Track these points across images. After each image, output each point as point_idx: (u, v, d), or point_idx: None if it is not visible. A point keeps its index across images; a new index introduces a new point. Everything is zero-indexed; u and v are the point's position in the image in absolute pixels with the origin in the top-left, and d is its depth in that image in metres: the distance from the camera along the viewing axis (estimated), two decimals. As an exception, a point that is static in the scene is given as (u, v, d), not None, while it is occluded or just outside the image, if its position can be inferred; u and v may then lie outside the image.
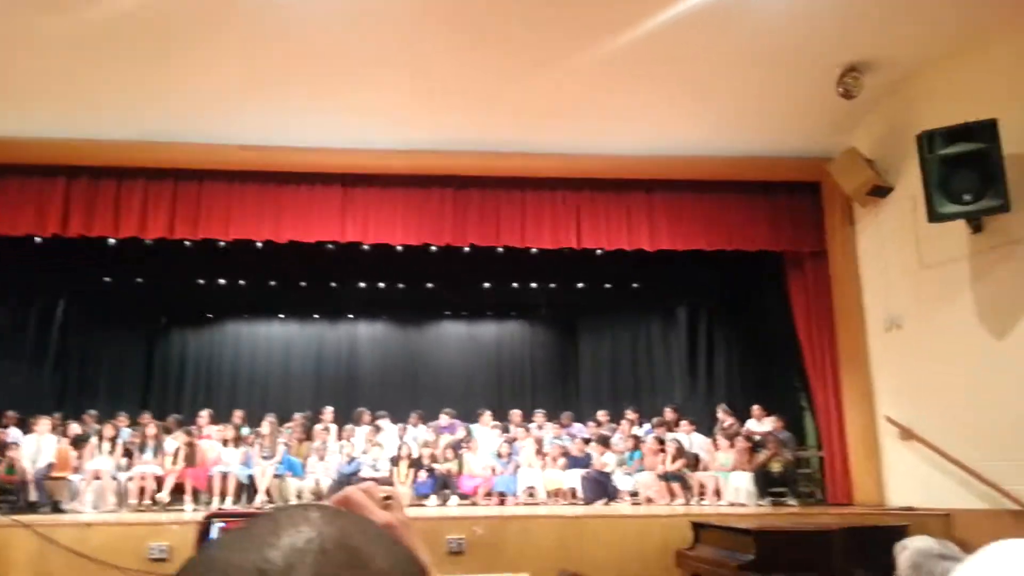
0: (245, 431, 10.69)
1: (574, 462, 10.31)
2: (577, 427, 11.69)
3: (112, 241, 9.60)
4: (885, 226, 8.81)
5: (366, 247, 9.83)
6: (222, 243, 9.62)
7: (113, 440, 9.75)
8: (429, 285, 13.22)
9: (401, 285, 13.32)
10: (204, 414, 10.92)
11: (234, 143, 8.96)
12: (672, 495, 9.53)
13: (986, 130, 7.06)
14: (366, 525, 0.60)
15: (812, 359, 9.58)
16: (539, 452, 10.48)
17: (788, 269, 9.96)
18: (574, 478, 9.97)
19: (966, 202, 7.16)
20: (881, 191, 8.73)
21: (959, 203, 7.20)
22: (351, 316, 14.17)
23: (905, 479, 8.35)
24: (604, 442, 10.49)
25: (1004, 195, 6.99)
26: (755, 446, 9.75)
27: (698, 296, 12.75)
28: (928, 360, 8.11)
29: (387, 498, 0.76)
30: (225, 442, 10.27)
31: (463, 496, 9.91)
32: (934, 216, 7.30)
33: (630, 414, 11.49)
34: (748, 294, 11.70)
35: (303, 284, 13.08)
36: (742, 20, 6.97)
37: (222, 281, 12.93)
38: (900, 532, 5.06)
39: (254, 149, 9.01)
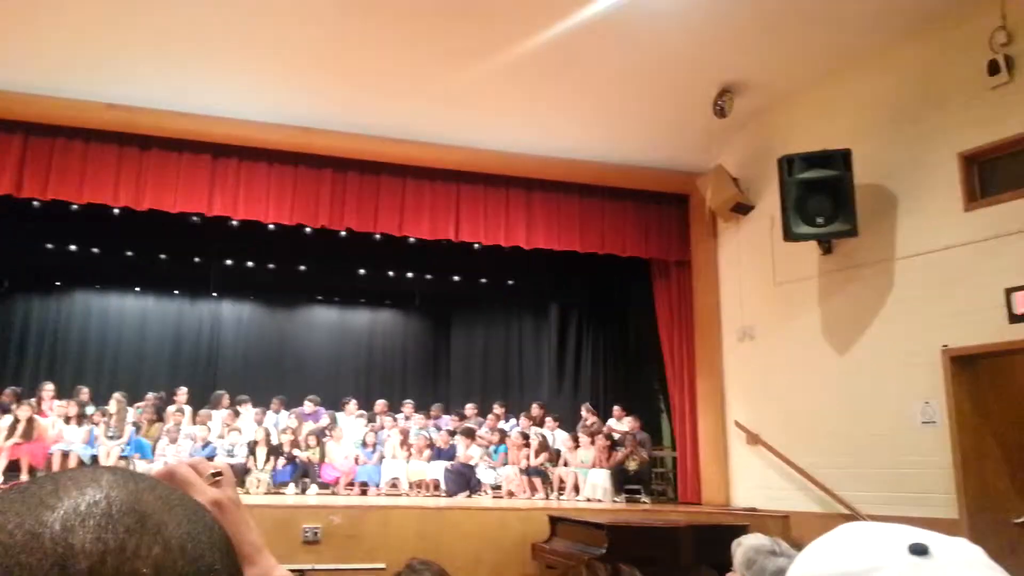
0: (90, 409, 10.03)
1: (439, 454, 10.31)
2: (445, 419, 11.70)
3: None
4: (745, 242, 9.29)
5: (235, 223, 9.42)
6: (75, 206, 8.96)
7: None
8: (301, 267, 12.85)
9: (271, 265, 12.87)
10: (47, 387, 10.16)
11: (96, 100, 8.33)
12: (533, 489, 9.70)
13: (840, 158, 7.56)
14: (164, 491, 0.55)
15: (671, 363, 9.98)
16: (404, 443, 10.42)
17: (655, 276, 10.33)
18: (438, 470, 9.97)
19: (819, 225, 7.64)
20: (743, 208, 9.20)
21: (812, 225, 7.67)
22: (215, 294, 13.54)
23: (750, 481, 8.84)
24: (470, 435, 10.54)
25: (853, 220, 7.50)
26: (614, 444, 10.06)
27: (570, 297, 13.02)
28: (776, 370, 8.61)
29: (216, 474, 0.72)
30: (68, 419, 9.61)
31: (324, 485, 9.71)
32: (789, 236, 7.75)
33: (497, 408, 11.60)
34: (617, 298, 12.04)
35: (163, 257, 12.40)
36: (637, 33, 7.14)
37: (73, 247, 12.05)
38: (742, 531, 5.34)
39: (119, 108, 8.41)
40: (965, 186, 6.93)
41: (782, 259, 8.58)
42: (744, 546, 2.84)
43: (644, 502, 9.37)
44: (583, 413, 11.07)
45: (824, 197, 7.61)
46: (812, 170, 7.65)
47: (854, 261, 7.87)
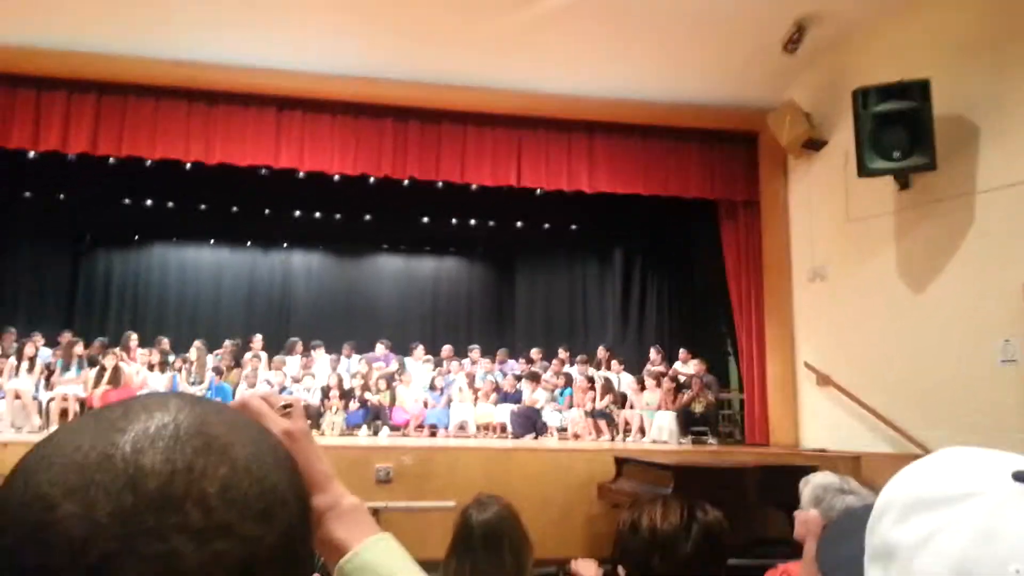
0: (172, 358, 10.49)
1: (505, 398, 10.46)
2: (510, 364, 11.83)
3: (32, 154, 9.13)
4: (816, 179, 8.99)
5: (301, 175, 9.58)
6: (148, 162, 9.24)
7: (32, 360, 9.43)
8: (367, 217, 13.02)
9: (338, 216, 13.08)
10: (132, 338, 10.65)
11: (164, 57, 8.51)
12: (598, 432, 9.78)
13: (919, 89, 7.20)
14: (231, 416, 0.57)
15: (739, 306, 9.83)
16: (471, 387, 10.60)
17: (721, 217, 10.10)
18: (505, 413, 10.13)
19: (895, 159, 7.34)
20: (815, 144, 8.88)
21: (889, 159, 7.37)
22: (285, 245, 13.87)
23: (819, 423, 8.73)
24: (535, 379, 10.65)
25: (932, 154, 7.18)
26: (680, 387, 10.03)
27: (634, 241, 12.88)
28: (848, 311, 8.40)
29: (287, 406, 0.74)
30: (151, 367, 10.07)
31: (394, 428, 9.99)
32: (864, 171, 7.47)
33: (562, 352, 11.66)
34: (682, 240, 11.87)
35: (235, 210, 12.71)
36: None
37: (149, 202, 12.47)
38: (811, 472, 5.30)
39: (186, 65, 8.57)
40: (1053, 114, 6.53)
41: (856, 196, 8.30)
42: (812, 484, 2.82)
43: (711, 444, 9.36)
44: (651, 355, 11.03)
45: (900, 130, 7.29)
46: (888, 102, 7.31)
47: (932, 196, 7.55)
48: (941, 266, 7.44)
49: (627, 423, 9.92)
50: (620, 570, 1.82)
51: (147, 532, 0.48)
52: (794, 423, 9.04)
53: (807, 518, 2.66)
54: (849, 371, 8.30)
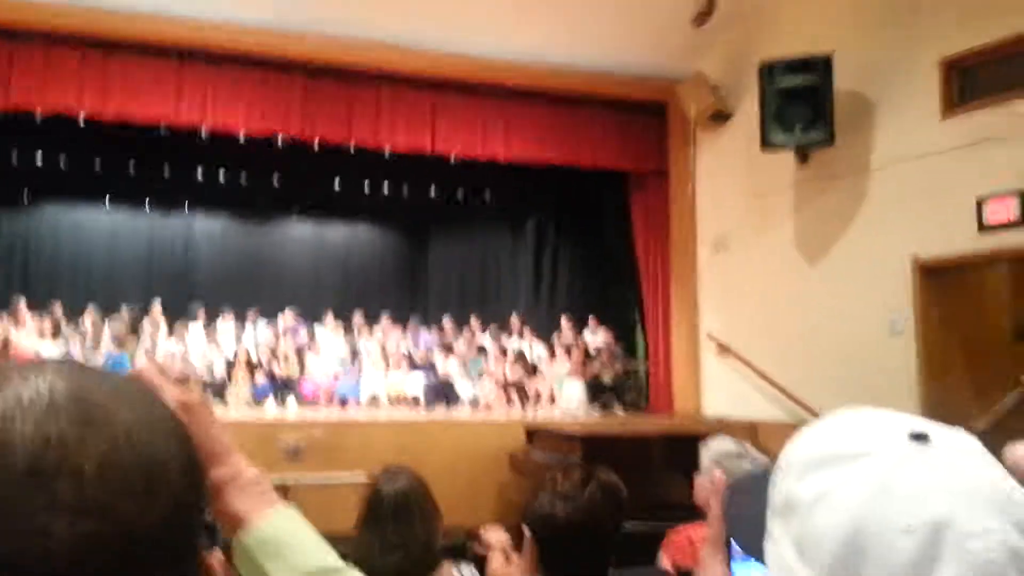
0: (64, 325, 9.96)
1: (416, 367, 10.40)
2: (423, 335, 11.75)
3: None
4: (723, 152, 9.19)
5: (204, 132, 9.17)
6: (38, 115, 8.64)
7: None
8: (275, 180, 12.60)
9: (244, 177, 12.60)
10: (20, 302, 10.04)
11: (56, 0, 7.94)
12: (510, 401, 9.84)
13: (821, 64, 7.41)
14: (117, 382, 0.53)
15: (646, 275, 10.02)
16: (383, 357, 10.48)
17: (631, 188, 10.25)
18: (417, 384, 10.08)
19: (796, 133, 7.55)
20: (722, 117, 9.06)
21: (791, 133, 7.58)
22: (187, 207, 13.28)
23: (720, 392, 9.02)
24: (448, 349, 10.62)
25: (830, 129, 7.41)
26: (589, 356, 10.18)
27: (546, 210, 12.91)
28: (749, 282, 8.67)
29: (184, 378, 0.69)
30: (42, 334, 9.55)
31: (303, 400, 9.81)
32: (766, 144, 7.66)
33: (474, 321, 11.66)
34: (593, 210, 11.97)
35: (133, 168, 12.08)
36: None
37: (39, 158, 11.70)
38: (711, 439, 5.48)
39: (80, 10, 7.98)
40: (944, 93, 6.83)
41: (759, 169, 8.52)
42: (712, 450, 2.90)
43: (618, 412, 9.55)
44: (562, 324, 11.15)
45: (803, 105, 7.49)
46: (792, 76, 7.50)
47: (829, 171, 7.82)
48: (836, 239, 7.74)
49: (538, 392, 10.02)
50: (526, 530, 1.90)
51: (14, 510, 0.44)
52: (696, 392, 9.32)
53: (713, 479, 2.73)
54: (748, 341, 8.59)
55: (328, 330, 11.24)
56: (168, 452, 0.51)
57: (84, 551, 0.45)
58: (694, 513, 2.92)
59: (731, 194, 8.98)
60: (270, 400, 9.57)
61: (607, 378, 9.83)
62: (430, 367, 10.39)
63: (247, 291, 12.93)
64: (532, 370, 10.31)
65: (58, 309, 10.32)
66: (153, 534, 0.48)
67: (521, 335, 11.23)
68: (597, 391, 9.75)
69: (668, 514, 5.14)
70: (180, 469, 0.52)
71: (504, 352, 10.42)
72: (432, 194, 13.06)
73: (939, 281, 6.88)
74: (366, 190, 12.89)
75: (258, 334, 10.94)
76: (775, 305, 8.28)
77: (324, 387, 9.91)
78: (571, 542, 1.83)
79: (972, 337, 6.72)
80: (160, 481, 0.50)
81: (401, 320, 11.93)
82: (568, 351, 10.14)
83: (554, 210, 12.76)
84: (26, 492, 0.45)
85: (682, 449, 5.68)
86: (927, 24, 6.97)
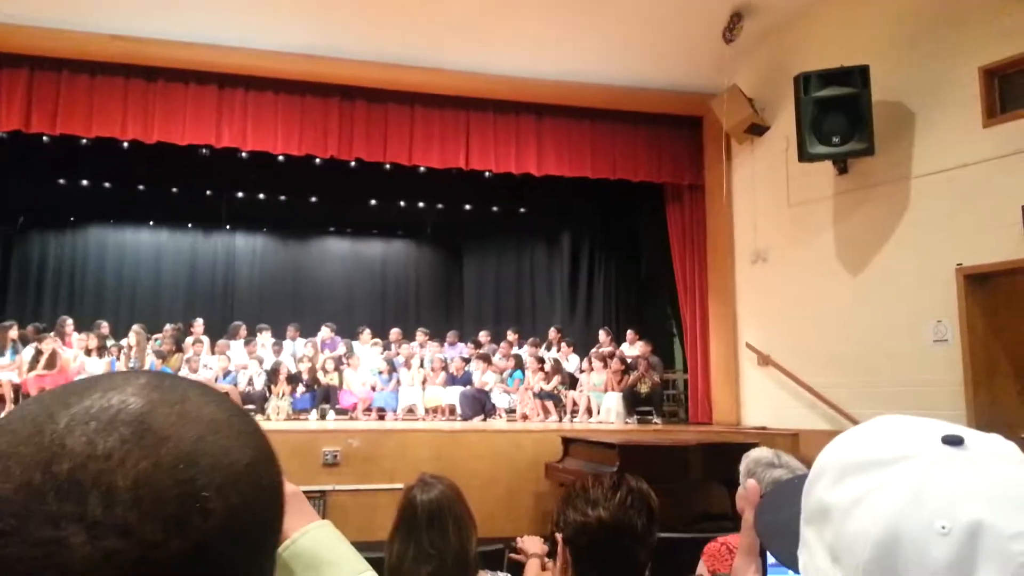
0: (111, 342, 10.21)
1: (454, 380, 10.47)
2: (459, 346, 11.83)
3: (-43, 132, 8.74)
4: (759, 164, 9.16)
5: (244, 154, 9.38)
6: (84, 140, 8.92)
7: (-37, 346, 9.09)
8: (312, 199, 12.82)
9: (282, 197, 12.85)
10: (68, 322, 10.32)
11: (100, 31, 8.20)
12: (546, 413, 9.85)
13: (858, 75, 7.37)
14: (198, 406, 0.53)
15: (684, 288, 9.99)
16: (419, 369, 10.57)
17: (668, 201, 10.24)
18: (453, 395, 10.14)
19: (834, 144, 7.50)
20: (758, 129, 9.03)
21: (828, 145, 7.53)
22: (228, 227, 13.57)
23: (760, 402, 8.94)
24: (486, 360, 10.68)
25: (869, 139, 7.36)
26: (627, 368, 10.16)
27: (581, 224, 12.96)
28: (788, 293, 8.60)
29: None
30: (88, 351, 9.79)
31: (342, 412, 9.92)
32: (804, 156, 7.63)
33: (511, 335, 11.70)
34: (629, 224, 11.98)
35: (175, 190, 12.39)
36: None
37: (85, 183, 12.07)
38: (751, 449, 5.43)
39: (123, 39, 8.26)
40: (985, 101, 6.76)
41: (797, 181, 8.48)
42: (749, 458, 2.90)
43: (656, 423, 9.52)
44: (600, 336, 11.15)
45: (840, 116, 7.46)
46: (829, 88, 7.47)
47: (869, 181, 7.75)
48: (877, 249, 7.66)
49: (575, 404, 10.02)
50: (557, 537, 1.90)
51: (43, 515, 0.45)
52: (736, 402, 9.24)
53: (746, 488, 2.73)
54: (788, 351, 8.51)
55: (366, 345, 11.36)
56: (209, 485, 0.50)
57: (99, 567, 0.45)
58: (735, 524, 2.91)
59: (769, 206, 8.94)
60: (311, 413, 9.70)
61: (645, 389, 9.80)
62: (467, 379, 10.45)
63: (286, 307, 13.15)
64: (569, 382, 10.32)
65: (105, 326, 10.58)
66: (175, 563, 0.47)
67: (558, 347, 11.25)
68: (635, 402, 9.73)
69: (709, 524, 5.13)
70: (226, 509, 0.50)
71: (541, 364, 10.43)
72: (467, 210, 13.18)
73: (984, 289, 6.77)
74: (401, 207, 13.06)
75: (297, 349, 11.10)
76: (816, 316, 8.20)
77: (362, 398, 10.03)
78: (603, 548, 1.82)
79: (1019, 344, 6.59)
80: (194, 512, 0.49)
81: (438, 334, 12.02)
82: (605, 363, 10.13)
83: (590, 224, 12.80)
84: (60, 500, 0.46)
85: (722, 459, 5.66)
86: (966, 34, 6.91)
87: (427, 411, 10.11)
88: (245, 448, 0.54)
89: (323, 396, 9.93)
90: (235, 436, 0.54)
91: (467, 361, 10.88)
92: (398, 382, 10.38)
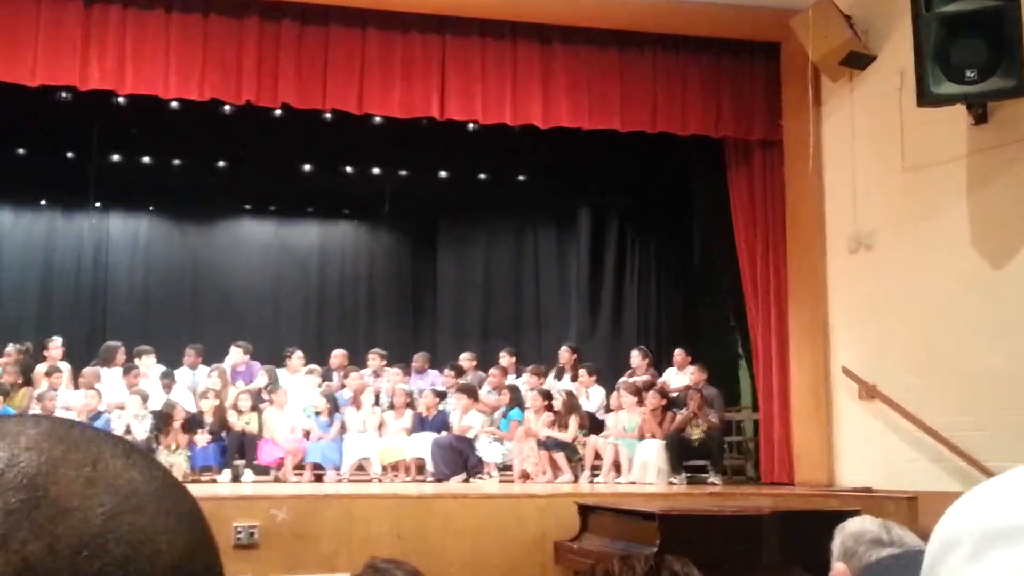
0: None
1: (423, 424, 10.47)
2: (431, 375, 11.83)
3: None
4: (861, 110, 9.17)
5: (121, 100, 9.40)
6: None
7: None
8: (219, 163, 12.82)
9: (177, 161, 12.85)
10: None
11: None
12: (556, 469, 9.86)
13: (1004, -20, 7.38)
14: (116, 463, 0.55)
15: (753, 288, 9.99)
16: (374, 409, 10.59)
17: (730, 164, 10.24)
18: (423, 446, 10.16)
19: (970, 80, 7.51)
20: (860, 60, 9.05)
21: (960, 82, 7.54)
22: (97, 204, 13.52)
23: (862, 451, 8.94)
24: (470, 395, 10.67)
25: (1020, 73, 7.36)
26: (671, 404, 10.16)
27: (607, 198, 12.96)
28: (903, 293, 8.61)
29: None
30: (-102, 385, 9.80)
31: (262, 469, 9.94)
32: (926, 98, 7.63)
33: (505, 357, 11.70)
34: (675, 198, 11.97)
35: (20, 151, 12.36)
36: None
37: None
38: (850, 518, 5.45)
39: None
40: None
41: (915, 134, 8.50)
42: (845, 532, 2.92)
43: (713, 483, 9.53)
44: (632, 359, 11.15)
45: (977, 40, 7.46)
46: (961, 1, 7.47)
47: (1020, 133, 7.77)
48: (1031, 230, 7.69)
49: (597, 456, 10.04)
50: None
51: None
52: (828, 452, 9.25)
53: (835, 573, 2.75)
54: (904, 378, 8.53)
55: (296, 374, 11.36)
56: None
57: None
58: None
59: (875, 170, 8.95)
60: (217, 471, 9.72)
61: (697, 435, 9.81)
62: (442, 422, 10.46)
63: (182, 320, 13.14)
64: (589, 425, 10.33)
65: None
66: None
67: (573, 375, 11.26)
68: (683, 453, 9.73)
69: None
70: None
71: (548, 400, 10.44)
72: (442, 178, 13.18)
73: None
74: (348, 174, 13.06)
75: (197, 380, 11.10)
76: (943, 326, 8.21)
77: (291, 451, 10.03)
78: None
79: None
80: None
81: (400, 357, 12.02)
82: (640, 398, 10.14)
83: (619, 198, 12.79)
84: None
85: (807, 534, 5.66)
86: None
87: (385, 468, 10.12)
88: (175, 534, 0.54)
89: (235, 448, 9.94)
90: (163, 515, 0.54)
91: (442, 396, 10.90)
92: (342, 427, 10.39)
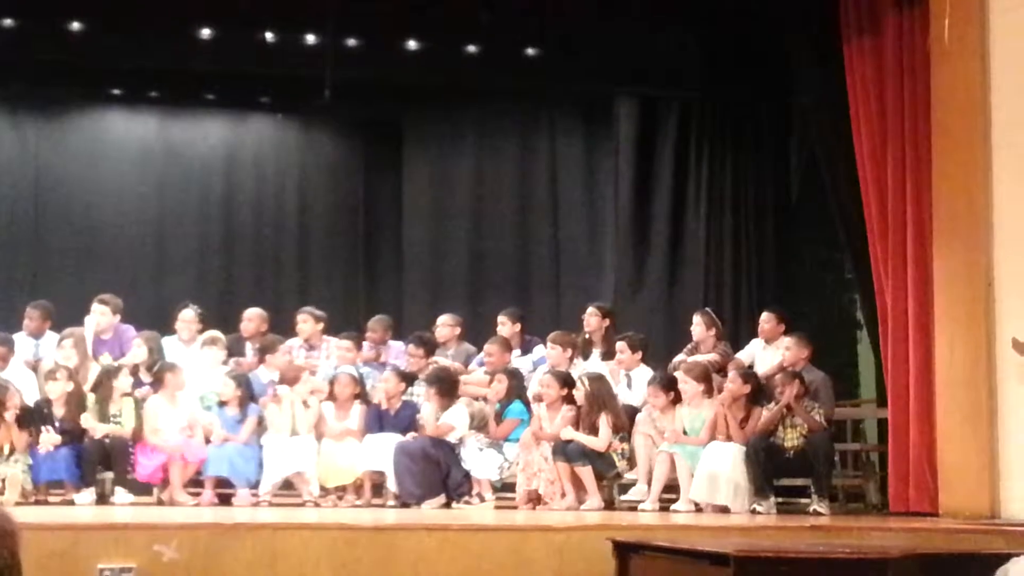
0: None
1: (382, 420, 10.53)
2: (394, 349, 11.85)
3: None
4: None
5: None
6: None
7: None
8: (72, 25, 12.77)
9: (8, 21, 12.80)
10: None
11: None
12: (580, 489, 9.94)
13: None
14: None
15: (881, 228, 10.01)
16: (310, 398, 10.62)
17: (847, 37, 10.25)
18: (383, 452, 10.22)
19: None
20: None
21: None
22: None
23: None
24: (445, 382, 10.70)
25: None
26: (755, 394, 10.19)
27: (657, 80, 12.92)
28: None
29: None
30: None
31: (144, 488, 10.06)
32: None
33: (506, 324, 11.72)
34: (764, 88, 11.97)
35: None
36: None
37: None
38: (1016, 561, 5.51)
39: None
40: None
41: None
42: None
43: (817, 512, 9.60)
44: (695, 330, 11.18)
45: None
46: None
47: None
48: None
49: (632, 464, 10.12)
50: None
51: None
52: (990, 468, 9.32)
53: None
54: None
55: (192, 344, 11.39)
56: None
57: None
58: None
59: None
60: (76, 489, 9.78)
61: (793, 440, 9.86)
62: (409, 418, 10.51)
63: (18, 263, 13.18)
64: (630, 421, 10.38)
65: None
66: None
67: (605, 350, 11.28)
68: (773, 466, 9.79)
69: None
70: None
71: (566, 387, 10.49)
72: (410, 50, 13.12)
73: None
74: (268, 43, 12.99)
75: (42, 351, 11.14)
76: None
77: (181, 454, 10.08)
78: None
79: None
80: None
81: (346, 321, 12.05)
82: (708, 383, 10.20)
83: (679, 87, 12.76)
84: None
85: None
86: None
87: (325, 490, 10.22)
88: None
89: (99, 454, 9.98)
90: None
91: (410, 380, 10.94)
92: (260, 424, 10.44)
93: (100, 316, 11.43)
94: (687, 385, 10.28)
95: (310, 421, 10.48)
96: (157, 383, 10.51)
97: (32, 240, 13.76)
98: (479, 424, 10.60)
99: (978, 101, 9.57)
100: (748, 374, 10.32)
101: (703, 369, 10.37)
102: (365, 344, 11.75)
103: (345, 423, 10.53)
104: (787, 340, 10.69)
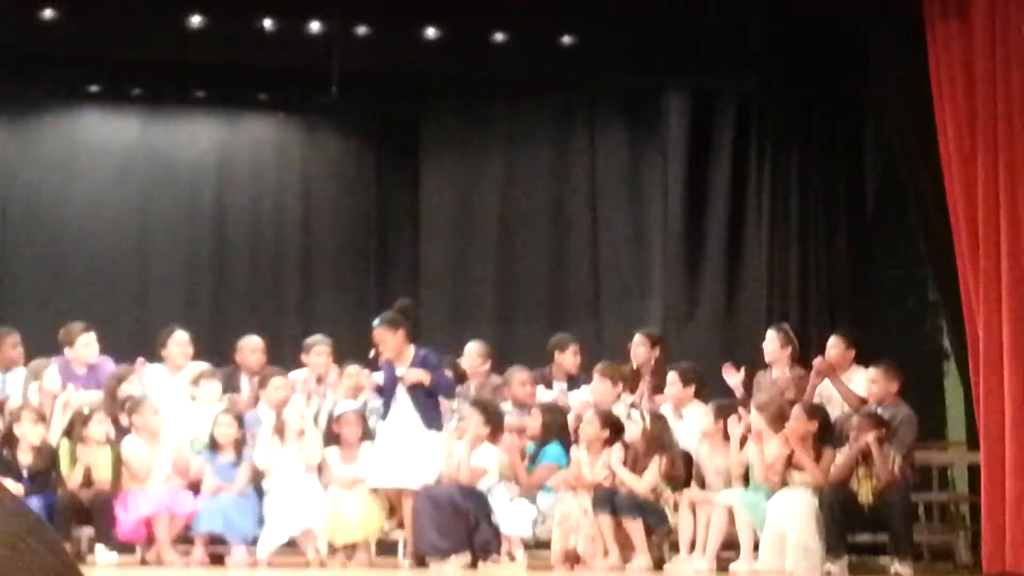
0: None
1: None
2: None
3: None
4: None
5: None
6: None
7: None
8: (45, 12, 12.83)
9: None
10: None
11: None
12: (626, 547, 9.89)
13: None
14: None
15: (971, 238, 9.94)
16: (316, 431, 10.61)
17: (931, 21, 10.20)
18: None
19: None
20: None
21: None
22: None
23: None
24: (489, 416, 10.67)
25: None
26: (826, 434, 10.13)
27: (711, 69, 12.93)
28: None
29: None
30: None
31: (126, 546, 10.05)
32: None
33: (643, 342, 11.70)
34: (835, 75, 11.94)
35: None
36: None
37: None
38: None
39: None
40: None
41: None
42: None
43: (899, 574, 9.52)
44: (768, 349, 11.15)
45: None
46: None
47: None
48: None
49: (695, 519, 10.04)
50: None
51: None
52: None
53: None
54: None
55: (179, 372, 11.38)
56: None
57: None
58: None
59: None
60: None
61: (868, 490, 9.81)
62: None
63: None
64: (684, 468, 10.33)
65: None
66: None
67: (654, 385, 11.25)
68: (848, 520, 9.74)
69: None
70: None
71: (611, 427, 10.46)
72: (429, 39, 13.14)
73: None
74: (267, 32, 13.03)
75: (8, 389, 11.16)
76: None
77: (168, 506, 10.07)
78: None
79: None
80: None
81: (357, 348, 12.04)
82: (781, 417, 10.14)
83: (737, 77, 12.76)
84: None
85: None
86: None
87: (333, 549, 10.19)
88: None
89: (72, 508, 10.00)
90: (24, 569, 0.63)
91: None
92: (255, 470, 10.41)
93: (81, 339, 11.41)
94: (752, 418, 10.21)
95: (310, 458, 10.43)
96: (137, 423, 10.48)
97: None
98: (507, 465, 10.57)
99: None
100: (815, 408, 10.24)
101: (778, 404, 10.30)
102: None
103: (352, 468, 10.46)
104: (869, 372, 10.61)
